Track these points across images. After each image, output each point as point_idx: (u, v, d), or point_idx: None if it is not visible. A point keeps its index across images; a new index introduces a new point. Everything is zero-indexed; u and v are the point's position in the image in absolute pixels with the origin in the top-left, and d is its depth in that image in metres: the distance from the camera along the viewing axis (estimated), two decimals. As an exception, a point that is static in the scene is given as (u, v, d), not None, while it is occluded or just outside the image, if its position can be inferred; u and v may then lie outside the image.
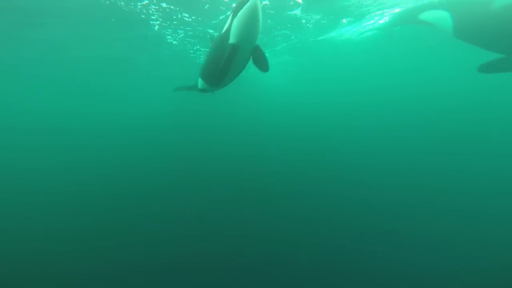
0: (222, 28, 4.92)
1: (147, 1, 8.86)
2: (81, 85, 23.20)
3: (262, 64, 5.03)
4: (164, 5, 9.12)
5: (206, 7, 9.36)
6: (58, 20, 9.86)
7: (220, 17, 10.14)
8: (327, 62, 22.54)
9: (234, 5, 5.09)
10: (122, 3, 8.88)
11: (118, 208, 10.67)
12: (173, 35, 12.42)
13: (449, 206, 10.46)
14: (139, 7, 9.19)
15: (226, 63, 4.73)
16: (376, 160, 16.23)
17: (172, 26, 11.16)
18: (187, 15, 10.08)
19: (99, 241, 8.64)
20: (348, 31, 13.83)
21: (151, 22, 10.59)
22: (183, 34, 12.24)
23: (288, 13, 10.47)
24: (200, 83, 6.58)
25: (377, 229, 9.00)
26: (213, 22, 10.56)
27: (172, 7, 9.36)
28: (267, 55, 4.96)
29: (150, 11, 9.59)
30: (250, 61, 5.10)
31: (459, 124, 24.68)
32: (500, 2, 4.61)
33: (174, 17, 10.14)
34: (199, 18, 10.37)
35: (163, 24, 10.88)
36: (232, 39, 4.57)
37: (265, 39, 14.12)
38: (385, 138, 21.28)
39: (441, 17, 5.52)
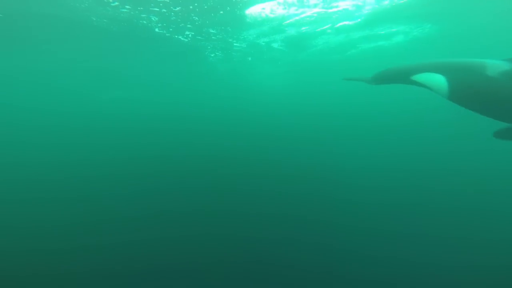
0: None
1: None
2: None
3: None
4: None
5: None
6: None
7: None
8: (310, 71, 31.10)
9: None
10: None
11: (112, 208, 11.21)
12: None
13: (444, 204, 11.00)
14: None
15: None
16: (373, 162, 17.09)
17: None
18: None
19: (102, 239, 8.87)
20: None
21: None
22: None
23: (272, 45, 20.21)
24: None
25: (374, 231, 9.31)
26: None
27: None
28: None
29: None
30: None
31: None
32: (497, 69, 4.12)
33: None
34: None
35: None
36: None
37: (265, 56, 23.91)
38: (380, 140, 22.66)
39: (437, 80, 5.12)
